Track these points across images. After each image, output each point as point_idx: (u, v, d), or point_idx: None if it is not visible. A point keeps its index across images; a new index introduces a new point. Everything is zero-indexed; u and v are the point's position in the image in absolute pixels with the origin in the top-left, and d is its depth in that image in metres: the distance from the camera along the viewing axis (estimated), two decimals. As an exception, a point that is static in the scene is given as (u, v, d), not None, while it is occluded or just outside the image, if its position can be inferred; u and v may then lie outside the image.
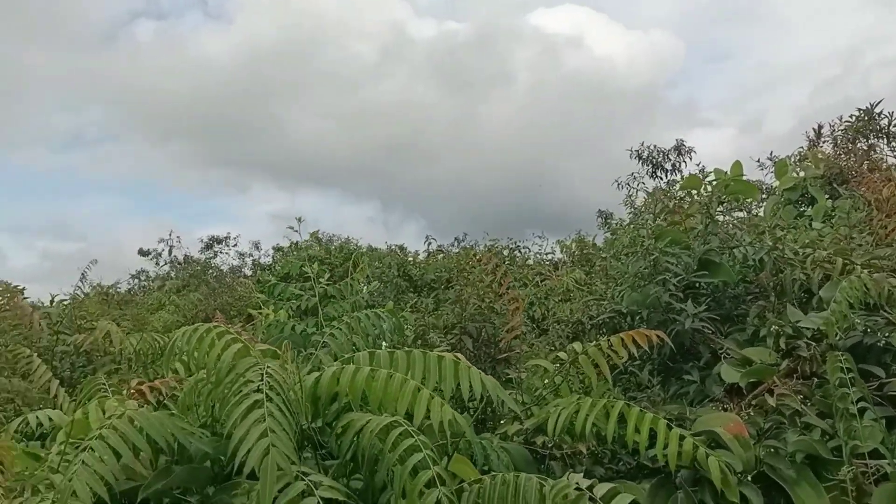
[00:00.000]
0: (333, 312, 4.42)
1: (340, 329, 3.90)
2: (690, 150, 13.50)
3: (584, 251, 14.14)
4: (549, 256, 14.71)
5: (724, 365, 4.33)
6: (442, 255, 13.29)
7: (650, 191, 7.39)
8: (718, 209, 5.27)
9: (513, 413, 4.23)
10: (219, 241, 25.14)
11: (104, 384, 4.01)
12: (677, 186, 6.20)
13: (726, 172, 5.52)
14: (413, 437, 2.53)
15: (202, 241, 23.46)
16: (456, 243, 15.46)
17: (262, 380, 2.63)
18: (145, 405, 3.38)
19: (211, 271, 19.83)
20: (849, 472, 3.24)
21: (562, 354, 4.19)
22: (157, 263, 22.37)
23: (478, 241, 13.61)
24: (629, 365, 4.85)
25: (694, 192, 5.84)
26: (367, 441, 2.58)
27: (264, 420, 2.38)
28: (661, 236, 4.99)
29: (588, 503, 2.42)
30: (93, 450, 2.75)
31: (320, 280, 4.67)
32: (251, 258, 26.46)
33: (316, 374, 2.96)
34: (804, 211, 9.22)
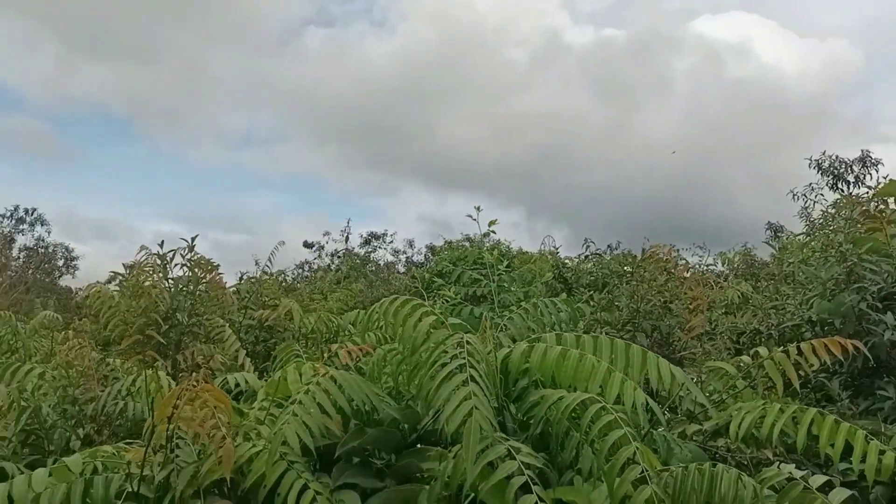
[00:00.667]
0: (509, 299, 4.50)
1: (518, 314, 3.98)
2: (877, 162, 12.53)
3: (751, 265, 13.49)
4: (711, 268, 14.14)
5: (927, 381, 4.02)
6: (595, 260, 13.12)
7: (833, 201, 6.92)
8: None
9: (688, 414, 4.14)
10: (376, 238, 26.22)
11: (298, 350, 4.32)
12: (870, 194, 5.80)
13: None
14: (612, 413, 2.55)
15: (361, 236, 24.53)
16: (608, 251, 15.21)
17: (460, 350, 2.74)
18: (342, 369, 3.61)
19: (369, 265, 20.71)
20: None
21: (745, 358, 4.05)
22: (319, 255, 23.63)
23: (632, 249, 13.31)
24: (816, 377, 4.61)
25: (890, 200, 5.45)
26: (560, 415, 2.63)
27: (467, 384, 2.48)
28: (858, 242, 4.69)
29: (804, 492, 2.34)
30: (301, 403, 2.99)
31: (498, 268, 4.78)
32: (405, 255, 27.38)
33: (506, 349, 3.04)
34: None
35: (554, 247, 14.08)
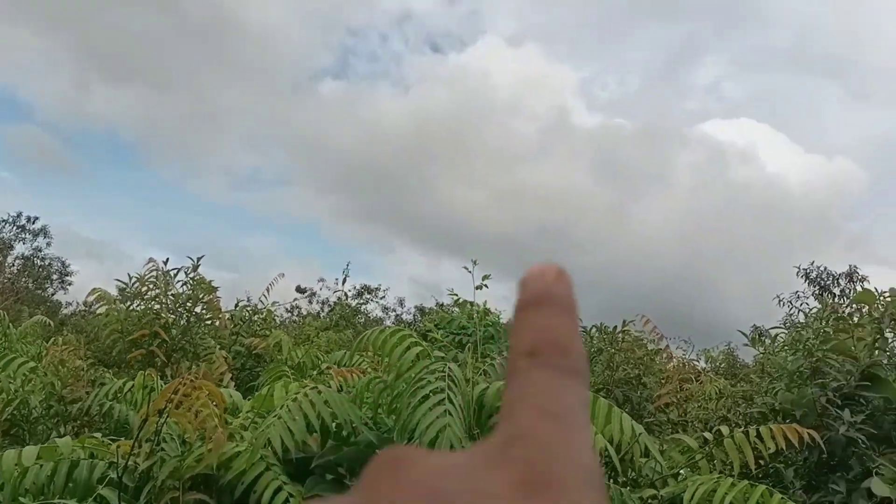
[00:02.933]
0: (492, 349, 4.74)
1: (500, 362, 4.22)
2: (864, 279, 12.90)
3: (732, 364, 13.71)
4: (694, 363, 14.35)
5: (876, 479, 4.22)
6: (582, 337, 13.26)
7: (814, 309, 7.23)
8: (889, 327, 5.15)
9: (648, 480, 4.33)
10: (370, 291, 26.45)
11: (286, 371, 4.53)
12: (847, 301, 6.09)
13: (904, 293, 5.40)
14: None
15: (354, 287, 24.75)
16: (596, 330, 15.43)
17: (442, 378, 2.98)
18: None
19: (359, 316, 20.89)
20: None
21: (707, 434, 4.27)
22: (310, 302, 23.80)
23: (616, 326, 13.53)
24: (774, 465, 4.82)
25: (865, 307, 5.74)
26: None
27: (443, 403, 2.71)
28: (826, 341, 4.96)
29: None
30: (289, 410, 3.21)
31: (485, 321, 5.03)
32: (394, 313, 27.55)
33: (483, 385, 3.28)
34: None
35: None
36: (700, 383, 10.95)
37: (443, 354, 3.43)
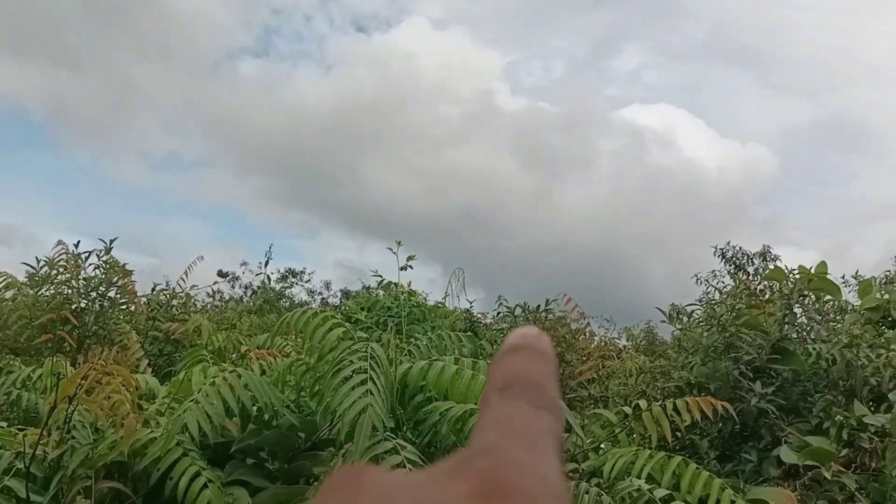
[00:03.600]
0: (416, 329, 4.72)
1: (424, 343, 4.21)
2: (776, 258, 13.48)
3: (652, 342, 14.14)
4: (615, 341, 14.74)
5: (784, 447, 4.42)
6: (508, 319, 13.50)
7: (728, 287, 7.50)
8: (798, 302, 5.39)
9: (569, 454, 4.41)
10: (294, 275, 26.08)
11: (205, 356, 4.40)
12: (758, 279, 6.35)
13: (811, 270, 5.66)
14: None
15: (279, 271, 24.34)
16: (521, 310, 15.62)
17: (364, 358, 2.94)
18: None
19: (283, 300, 20.59)
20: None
21: (626, 409, 4.38)
22: (232, 286, 23.30)
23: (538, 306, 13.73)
24: (690, 436, 4.98)
25: (776, 283, 5.98)
26: (447, 423, 2.85)
27: (365, 383, 2.68)
28: (739, 317, 5.15)
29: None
30: (207, 395, 3.11)
31: (410, 302, 5.00)
32: (320, 296, 27.26)
33: (407, 365, 3.26)
34: (884, 332, 9.14)
35: (468, 300, 14.41)
36: (621, 360, 11.29)
37: (366, 335, 3.39)
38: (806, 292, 5.41)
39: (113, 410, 2.92)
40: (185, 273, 7.43)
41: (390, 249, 5.18)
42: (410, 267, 5.29)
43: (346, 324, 3.36)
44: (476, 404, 3.01)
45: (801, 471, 4.19)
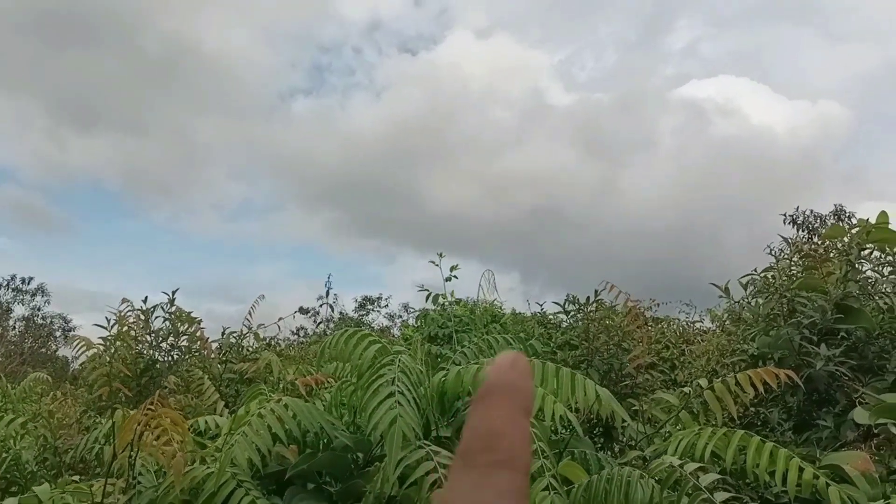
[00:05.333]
0: (467, 338, 4.74)
1: (470, 348, 4.22)
2: (851, 215, 12.88)
3: (736, 320, 13.68)
4: (698, 325, 14.33)
5: (858, 408, 4.23)
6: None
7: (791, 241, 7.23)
8: (861, 257, 5.15)
9: (634, 443, 4.34)
10: (371, 302, 26.51)
11: (264, 390, 4.53)
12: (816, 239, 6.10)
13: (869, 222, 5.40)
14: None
15: (356, 300, 24.78)
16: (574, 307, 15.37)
17: (394, 371, 2.99)
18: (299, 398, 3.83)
19: (363, 327, 20.95)
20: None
21: (687, 389, 4.28)
22: (315, 321, 23.83)
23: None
24: (761, 409, 4.82)
25: (837, 241, 5.74)
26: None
27: (394, 395, 2.72)
28: (799, 282, 4.96)
29: (687, 477, 2.56)
30: (251, 426, 3.21)
31: (458, 316, 5.03)
32: (400, 319, 27.55)
33: (444, 372, 3.29)
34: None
35: (539, 304, 14.37)
36: (706, 343, 10.99)
37: (402, 348, 3.44)
38: (867, 246, 5.17)
39: (165, 452, 3.05)
40: (250, 313, 7.67)
41: (433, 262, 5.23)
42: (455, 277, 5.32)
43: (381, 339, 3.41)
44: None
45: (875, 430, 4.00)
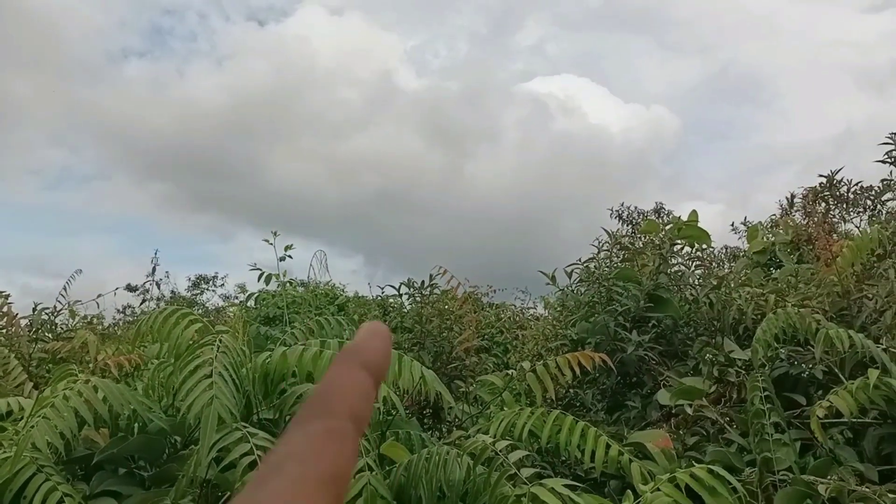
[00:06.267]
0: (296, 320, 4.67)
1: (301, 330, 4.16)
2: (669, 213, 13.88)
3: (565, 307, 14.39)
4: (531, 311, 14.96)
5: (662, 390, 4.59)
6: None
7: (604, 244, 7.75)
8: (672, 252, 5.58)
9: (458, 421, 4.48)
10: (206, 281, 25.41)
11: (74, 370, 4.24)
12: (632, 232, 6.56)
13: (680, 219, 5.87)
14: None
15: (189, 279, 23.67)
16: (409, 290, 15.67)
17: (214, 350, 2.89)
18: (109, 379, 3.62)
19: (196, 308, 20.05)
20: (751, 474, 3.47)
21: (511, 371, 4.46)
22: (143, 300, 22.55)
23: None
24: (577, 390, 5.12)
25: (653, 235, 6.18)
26: (299, 402, 2.83)
27: (211, 375, 2.63)
28: (615, 273, 5.30)
29: (493, 454, 2.67)
30: (56, 408, 3.00)
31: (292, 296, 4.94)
32: (237, 300, 26.67)
33: (267, 353, 3.22)
34: (772, 274, 9.59)
35: (380, 286, 14.40)
36: (538, 328, 11.48)
37: (226, 329, 3.33)
38: (678, 242, 5.61)
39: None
40: (64, 288, 7.14)
41: (266, 241, 5.10)
42: (290, 256, 5.21)
43: (203, 319, 3.29)
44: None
45: (674, 411, 4.36)
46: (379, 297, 15.13)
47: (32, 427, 2.87)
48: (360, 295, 16.99)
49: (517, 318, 13.52)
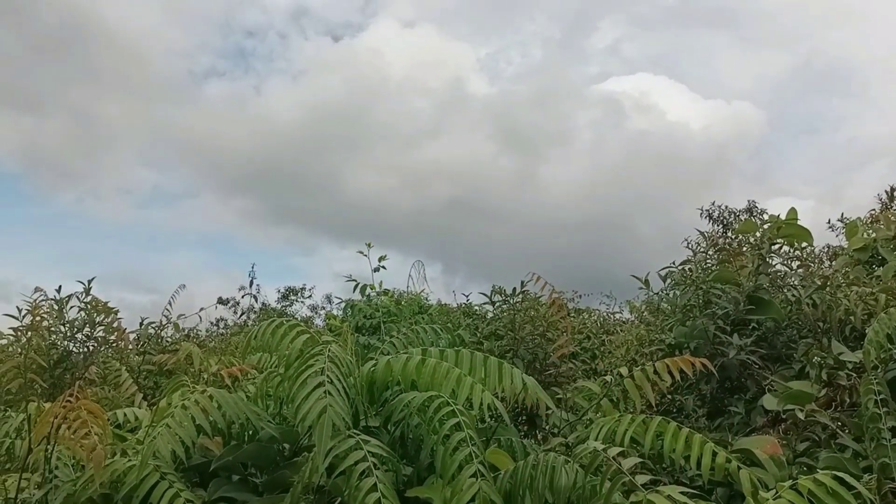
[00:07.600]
0: (393, 329, 4.74)
1: (399, 339, 4.24)
2: (763, 212, 13.47)
3: (654, 312, 14.13)
4: (617, 315, 14.71)
5: (767, 395, 4.45)
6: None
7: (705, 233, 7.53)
8: (771, 251, 5.41)
9: (557, 430, 4.46)
10: (294, 292, 26.08)
11: (187, 381, 4.44)
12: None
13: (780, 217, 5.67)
14: (457, 416, 2.82)
15: (279, 291, 24.33)
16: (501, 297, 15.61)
17: (322, 360, 2.98)
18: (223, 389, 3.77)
19: (287, 318, 20.60)
20: (869, 480, 3.32)
21: (608, 378, 4.41)
22: (235, 312, 23.28)
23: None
24: (677, 396, 5.02)
25: (749, 236, 6.01)
26: (410, 411, 2.89)
27: (324, 385, 2.72)
28: (714, 275, 5.18)
29: (610, 460, 2.65)
30: (176, 418, 3.15)
31: (386, 306, 5.04)
32: (324, 310, 27.24)
33: (373, 362, 3.30)
34: (875, 271, 9.15)
35: (464, 294, 14.46)
36: (624, 333, 11.29)
37: (331, 339, 3.43)
38: (777, 241, 5.43)
39: (85, 445, 2.96)
40: (169, 304, 7.47)
41: (361, 252, 5.23)
42: (383, 267, 5.32)
43: (310, 330, 3.39)
44: (442, 391, 3.05)
45: (782, 416, 4.22)
46: (464, 305, 15.19)
47: (156, 436, 3.03)
48: (442, 303, 17.13)
49: (603, 323, 13.34)
